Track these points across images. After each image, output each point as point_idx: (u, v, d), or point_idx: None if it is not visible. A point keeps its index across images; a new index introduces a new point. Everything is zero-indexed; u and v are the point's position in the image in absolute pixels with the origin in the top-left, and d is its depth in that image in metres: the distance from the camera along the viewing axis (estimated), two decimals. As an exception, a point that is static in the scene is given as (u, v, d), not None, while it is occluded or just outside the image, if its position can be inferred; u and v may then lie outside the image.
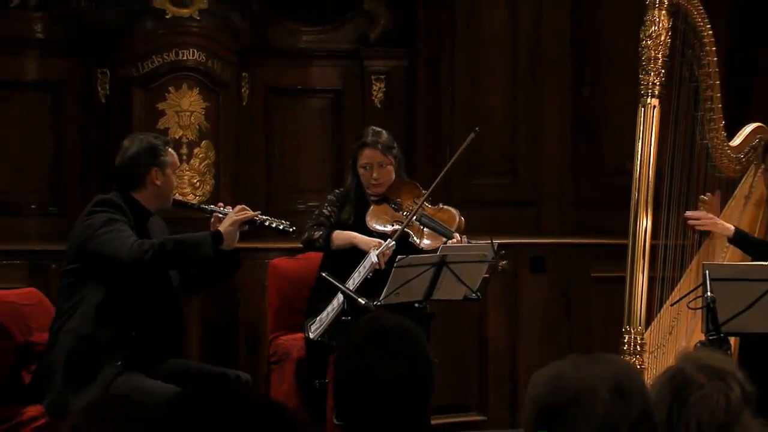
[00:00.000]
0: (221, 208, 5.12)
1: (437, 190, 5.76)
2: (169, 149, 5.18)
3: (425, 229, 5.56)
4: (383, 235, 5.53)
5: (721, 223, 5.57)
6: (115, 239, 4.87)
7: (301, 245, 5.76)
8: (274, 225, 5.09)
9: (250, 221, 5.03)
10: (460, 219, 5.63)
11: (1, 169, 6.84)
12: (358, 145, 5.74)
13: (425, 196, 5.57)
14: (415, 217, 5.52)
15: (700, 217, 5.57)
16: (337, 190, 5.84)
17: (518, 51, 7.37)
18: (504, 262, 5.40)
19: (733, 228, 5.54)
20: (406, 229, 5.52)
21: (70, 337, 4.88)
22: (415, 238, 5.53)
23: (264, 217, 5.09)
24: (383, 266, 5.31)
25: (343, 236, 5.59)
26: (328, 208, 5.73)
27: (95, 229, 4.91)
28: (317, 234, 5.60)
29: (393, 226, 5.57)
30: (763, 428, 2.72)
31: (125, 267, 4.84)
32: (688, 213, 5.60)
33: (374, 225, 5.60)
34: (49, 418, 4.82)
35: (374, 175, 5.65)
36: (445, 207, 5.71)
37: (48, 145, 6.91)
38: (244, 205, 5.09)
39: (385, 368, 2.68)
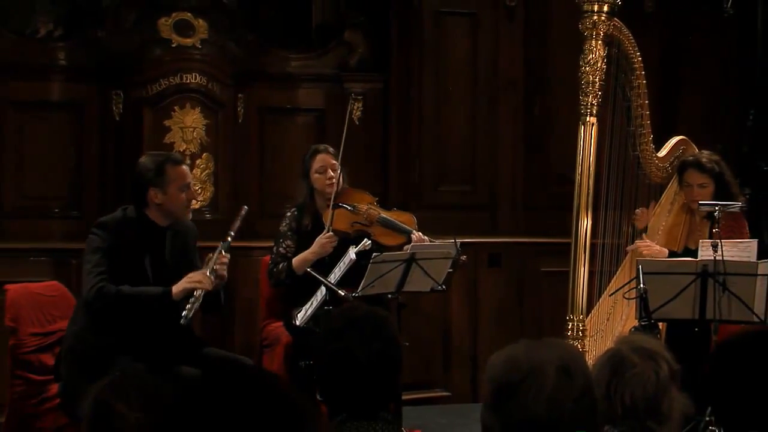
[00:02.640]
0: (211, 261, 4.71)
1: (413, 194, 5.68)
2: (173, 167, 4.76)
3: (386, 229, 5.55)
4: (344, 236, 5.50)
5: (657, 249, 5.57)
6: (87, 273, 4.63)
7: (271, 287, 5.65)
8: (196, 298, 4.59)
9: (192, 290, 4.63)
10: (415, 220, 5.64)
11: (30, 178, 6.80)
12: (311, 153, 5.65)
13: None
14: (375, 219, 5.51)
15: (639, 246, 5.59)
16: (288, 213, 5.68)
17: (477, 75, 7.36)
18: (464, 257, 5.40)
19: (666, 251, 5.55)
20: (366, 230, 5.51)
21: (72, 338, 4.75)
22: (375, 237, 5.50)
23: (200, 292, 4.60)
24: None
25: (299, 261, 5.46)
26: (283, 245, 5.59)
27: (86, 253, 4.71)
28: (283, 275, 5.49)
29: (353, 227, 5.54)
30: (687, 400, 2.73)
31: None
32: (630, 247, 5.63)
33: (334, 226, 5.46)
34: (60, 401, 4.77)
35: (329, 175, 5.57)
36: (401, 211, 5.71)
37: (70, 158, 6.87)
38: (205, 275, 4.64)
39: (360, 350, 2.68)
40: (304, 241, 5.55)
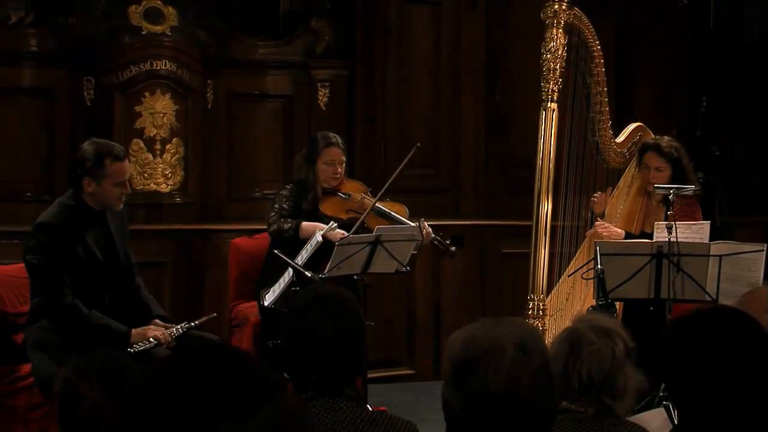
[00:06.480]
0: (176, 327, 4.79)
1: (376, 178, 5.69)
2: (112, 163, 4.62)
3: (380, 218, 5.55)
4: (336, 222, 5.47)
5: (615, 231, 5.58)
6: (47, 280, 4.59)
7: (269, 233, 5.56)
8: (150, 343, 4.66)
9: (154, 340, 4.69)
10: (406, 209, 5.64)
11: (2, 162, 6.74)
12: (324, 144, 5.60)
13: (380, 192, 5.50)
14: (370, 208, 5.49)
15: (597, 227, 5.60)
16: (288, 185, 5.69)
17: (440, 62, 7.37)
18: (453, 248, 5.43)
19: (623, 233, 5.57)
20: (360, 217, 5.50)
21: (35, 329, 4.71)
22: (369, 225, 5.50)
23: (155, 342, 4.68)
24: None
25: (309, 227, 5.41)
26: (286, 204, 5.58)
27: (29, 253, 4.65)
28: (286, 226, 5.44)
29: (347, 214, 5.54)
30: (641, 376, 2.74)
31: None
32: (589, 231, 5.64)
33: (329, 213, 5.51)
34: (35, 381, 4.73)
35: (338, 170, 5.58)
36: (393, 202, 5.72)
37: (42, 142, 6.81)
38: (165, 334, 4.71)
39: (324, 328, 2.69)
40: (298, 216, 5.53)
